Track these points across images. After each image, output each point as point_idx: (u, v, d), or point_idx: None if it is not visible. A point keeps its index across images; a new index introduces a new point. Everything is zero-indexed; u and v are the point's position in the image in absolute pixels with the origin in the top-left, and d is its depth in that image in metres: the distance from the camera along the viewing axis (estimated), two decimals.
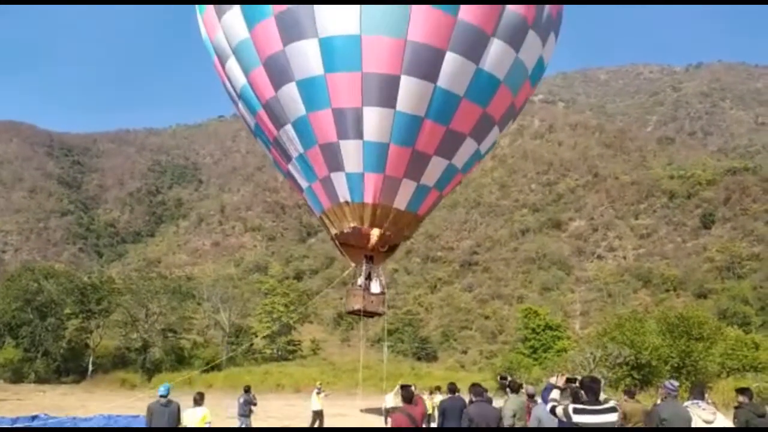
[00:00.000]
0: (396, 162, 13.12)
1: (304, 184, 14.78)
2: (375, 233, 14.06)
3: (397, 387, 17.21)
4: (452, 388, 9.67)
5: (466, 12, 11.76)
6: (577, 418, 5.49)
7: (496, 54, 12.43)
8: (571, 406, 5.64)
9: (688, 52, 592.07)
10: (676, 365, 32.67)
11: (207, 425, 9.01)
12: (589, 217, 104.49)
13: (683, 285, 76.95)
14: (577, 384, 6.38)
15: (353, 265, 15.24)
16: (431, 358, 64.95)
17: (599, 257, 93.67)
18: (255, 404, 15.39)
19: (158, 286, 54.10)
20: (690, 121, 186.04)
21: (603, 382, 7.19)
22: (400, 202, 13.86)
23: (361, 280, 15.11)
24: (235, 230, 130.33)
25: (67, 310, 51.28)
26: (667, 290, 76.90)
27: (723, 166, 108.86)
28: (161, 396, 8.86)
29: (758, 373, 34.17)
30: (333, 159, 13.34)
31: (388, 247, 15.19)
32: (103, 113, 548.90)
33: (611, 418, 5.47)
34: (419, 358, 62.94)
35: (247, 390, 15.53)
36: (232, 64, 13.98)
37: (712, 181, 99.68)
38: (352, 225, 13.90)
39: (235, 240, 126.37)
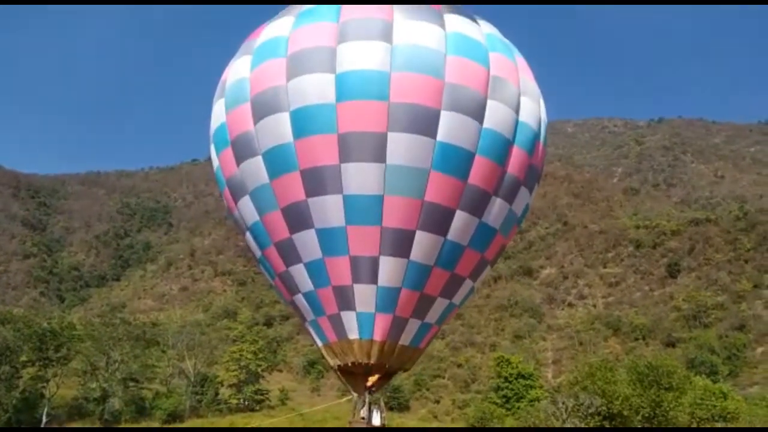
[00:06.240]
0: (405, 304, 14.31)
1: (309, 317, 15.47)
2: (372, 379, 15.28)
3: None
4: None
5: (475, 178, 13.58)
6: None
7: (494, 209, 14.39)
8: None
9: (649, 107, 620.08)
10: (647, 415, 32.67)
11: None
12: (560, 264, 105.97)
13: (652, 333, 77.89)
14: None
15: (355, 395, 15.88)
16: (403, 408, 63.48)
17: (570, 305, 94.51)
18: None
19: (121, 332, 52.30)
20: (653, 173, 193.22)
21: None
22: (406, 339, 14.93)
23: (364, 413, 15.61)
24: (205, 274, 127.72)
25: (23, 358, 48.92)
26: (637, 338, 77.70)
27: (686, 217, 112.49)
28: None
29: (727, 423, 34.37)
30: (345, 300, 14.28)
31: (386, 373, 16.06)
32: (74, 155, 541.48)
33: None
34: (391, 408, 61.45)
35: None
36: (246, 202, 14.80)
37: (677, 231, 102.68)
38: (358, 361, 14.76)
39: (204, 284, 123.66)
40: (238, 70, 14.57)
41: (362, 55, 13.01)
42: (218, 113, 15.09)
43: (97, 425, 45.42)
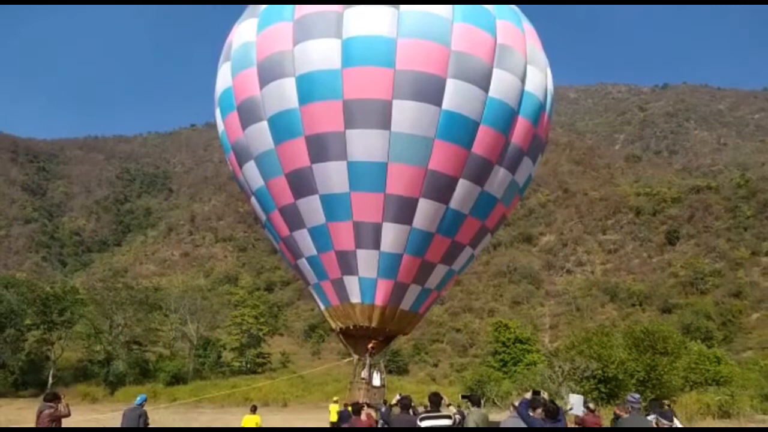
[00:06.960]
0: (407, 270, 14.55)
1: (312, 280, 15.73)
2: (372, 342, 15.76)
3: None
4: None
5: (478, 146, 13.64)
6: (422, 423, 7.30)
7: (497, 178, 14.49)
8: (420, 415, 7.45)
9: (654, 73, 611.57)
10: (641, 379, 33.21)
11: None
12: (559, 231, 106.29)
13: (649, 300, 78.68)
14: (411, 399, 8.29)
15: (356, 357, 16.29)
16: (402, 371, 64.67)
17: (568, 271, 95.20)
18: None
19: (124, 296, 52.69)
20: (656, 140, 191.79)
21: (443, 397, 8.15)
22: (406, 303, 15.24)
23: (364, 373, 16.10)
24: (206, 240, 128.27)
25: (28, 321, 49.44)
26: (633, 305, 78.53)
27: (687, 185, 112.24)
28: (137, 405, 10.91)
29: (720, 387, 34.99)
30: (347, 264, 14.49)
31: (386, 336, 16.41)
32: (72, 119, 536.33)
33: (445, 422, 7.38)
34: (390, 371, 62.56)
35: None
36: (251, 167, 14.83)
37: (677, 199, 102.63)
38: (360, 324, 15.08)
39: (205, 250, 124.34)
40: (244, 33, 14.42)
41: (369, 21, 12.90)
42: (224, 77, 15.00)
43: (102, 387, 46.27)
